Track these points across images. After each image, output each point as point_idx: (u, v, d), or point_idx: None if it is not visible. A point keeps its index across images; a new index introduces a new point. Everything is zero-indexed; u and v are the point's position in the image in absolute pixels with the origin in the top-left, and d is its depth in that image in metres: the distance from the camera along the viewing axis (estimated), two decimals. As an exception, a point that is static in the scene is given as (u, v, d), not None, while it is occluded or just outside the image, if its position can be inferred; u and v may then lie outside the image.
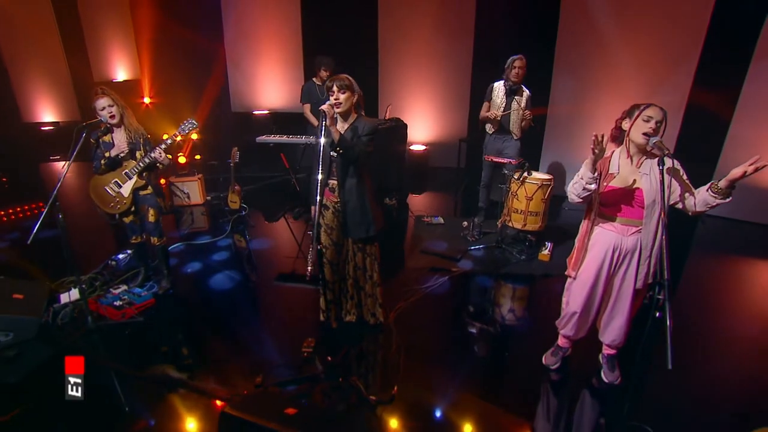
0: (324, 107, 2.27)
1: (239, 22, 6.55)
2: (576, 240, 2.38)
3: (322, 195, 2.31)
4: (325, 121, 2.25)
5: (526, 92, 4.03)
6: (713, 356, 2.82)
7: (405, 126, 5.13)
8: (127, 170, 2.97)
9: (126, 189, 2.97)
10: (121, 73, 8.68)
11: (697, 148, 4.48)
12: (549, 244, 3.94)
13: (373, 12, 6.14)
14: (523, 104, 3.98)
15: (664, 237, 1.61)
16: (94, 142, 2.95)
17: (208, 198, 5.42)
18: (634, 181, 2.13)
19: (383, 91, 6.47)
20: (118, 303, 3.08)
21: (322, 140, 2.27)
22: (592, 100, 5.05)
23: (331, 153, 2.47)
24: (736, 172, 1.84)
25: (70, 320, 3.05)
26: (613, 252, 2.22)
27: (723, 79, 4.47)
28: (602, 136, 1.94)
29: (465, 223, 4.29)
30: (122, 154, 2.96)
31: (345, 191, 2.52)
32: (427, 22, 6.03)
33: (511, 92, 3.99)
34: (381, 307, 2.89)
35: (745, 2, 4.24)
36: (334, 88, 2.37)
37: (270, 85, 6.71)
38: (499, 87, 4.05)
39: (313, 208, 2.74)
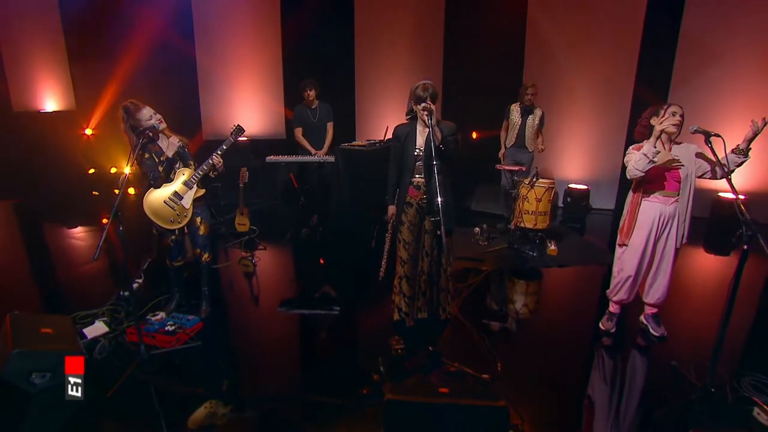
0: (432, 107, 2.46)
1: (211, 47, 6.44)
2: (625, 212, 2.85)
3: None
4: (431, 120, 2.44)
5: (539, 111, 4.72)
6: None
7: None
8: (186, 180, 2.78)
9: (187, 200, 2.76)
10: (50, 103, 7.82)
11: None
12: (553, 241, 4.45)
13: (350, 42, 6.53)
14: (536, 121, 4.70)
15: (736, 196, 2.13)
16: (146, 154, 2.74)
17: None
18: (669, 161, 2.67)
19: (360, 113, 6.80)
20: (169, 329, 2.78)
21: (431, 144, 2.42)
22: (557, 120, 5.89)
23: (415, 153, 2.68)
24: (748, 134, 2.44)
25: (110, 354, 2.67)
26: (659, 219, 2.71)
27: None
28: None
29: (477, 229, 4.64)
30: (177, 149, 2.80)
31: (432, 187, 2.68)
32: (400, 52, 6.52)
33: (526, 112, 4.71)
34: (452, 300, 3.03)
35: (662, 53, 5.46)
36: (428, 99, 2.53)
37: (247, 111, 6.59)
38: (515, 108, 4.76)
39: (391, 207, 2.88)
